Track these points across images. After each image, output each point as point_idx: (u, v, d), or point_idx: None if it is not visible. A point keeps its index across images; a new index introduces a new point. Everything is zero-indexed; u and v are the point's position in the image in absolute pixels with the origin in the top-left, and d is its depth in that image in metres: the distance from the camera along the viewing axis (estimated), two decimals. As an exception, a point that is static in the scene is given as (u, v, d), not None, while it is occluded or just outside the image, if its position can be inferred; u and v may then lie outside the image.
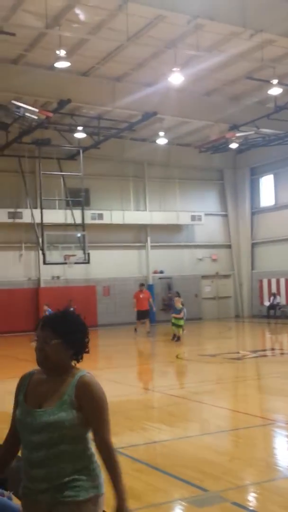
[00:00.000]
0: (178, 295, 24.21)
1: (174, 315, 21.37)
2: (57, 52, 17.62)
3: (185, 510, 5.86)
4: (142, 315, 24.73)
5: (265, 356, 17.83)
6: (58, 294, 28.97)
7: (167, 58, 20.03)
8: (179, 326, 21.06)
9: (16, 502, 5.06)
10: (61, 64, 18.32)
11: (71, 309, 23.33)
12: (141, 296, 24.97)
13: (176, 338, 20.97)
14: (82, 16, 17.60)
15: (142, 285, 26.84)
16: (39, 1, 15.60)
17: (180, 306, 21.35)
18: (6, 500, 4.82)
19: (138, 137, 28.01)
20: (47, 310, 22.58)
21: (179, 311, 21.12)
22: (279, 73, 21.38)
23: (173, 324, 21.29)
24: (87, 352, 3.36)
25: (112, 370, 16.20)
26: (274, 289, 32.39)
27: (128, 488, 6.58)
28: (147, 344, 23.37)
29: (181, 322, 21.03)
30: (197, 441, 8.54)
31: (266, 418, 9.86)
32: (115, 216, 30.67)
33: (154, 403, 11.91)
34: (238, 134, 25.92)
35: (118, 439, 8.51)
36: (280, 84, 21.35)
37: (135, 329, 25.03)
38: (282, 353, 18.71)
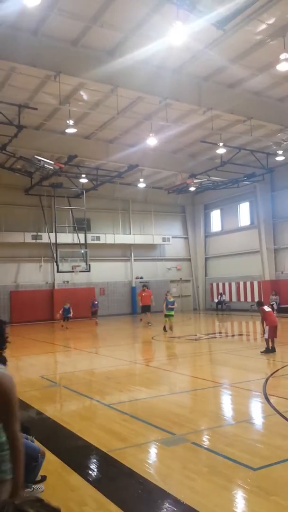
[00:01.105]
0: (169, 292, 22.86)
1: (169, 307, 19.04)
2: (67, 121, 17.70)
3: (158, 448, 5.85)
4: (145, 309, 22.73)
5: (214, 337, 17.87)
6: (67, 294, 28.96)
7: (145, 127, 20.22)
8: (171, 316, 18.98)
9: (37, 444, 5.03)
10: (70, 130, 18.38)
11: (67, 306, 23.16)
12: (143, 294, 23.00)
13: (169, 328, 18.94)
14: (85, 96, 17.71)
15: (144, 285, 24.49)
16: (55, 86, 15.68)
17: (172, 299, 19.59)
18: (30, 442, 4.79)
19: (124, 182, 28.13)
20: (68, 306, 23.31)
21: (172, 303, 19.20)
22: (224, 138, 21.66)
23: (166, 316, 19.06)
24: (5, 347, 2.83)
25: (106, 348, 16.16)
26: (221, 290, 32.58)
27: (117, 433, 6.62)
28: (133, 329, 23.28)
29: (172, 313, 19.12)
30: (167, 399, 8.53)
31: (216, 382, 9.89)
32: (108, 238, 30.79)
33: (136, 371, 11.89)
34: (195, 181, 26.13)
35: (110, 398, 8.53)
36: (224, 146, 21.61)
37: (141, 319, 23.40)
38: (226, 335, 18.77)
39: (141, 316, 23.42)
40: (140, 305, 23.20)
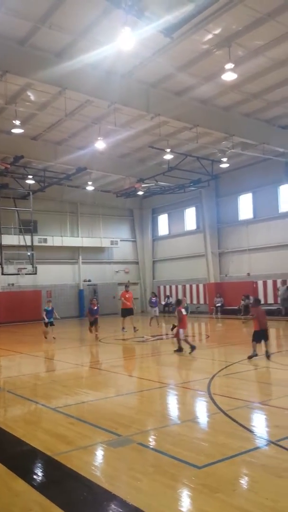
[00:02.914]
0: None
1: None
2: (14, 122, 17.28)
3: (105, 450, 5.80)
4: (128, 312, 20.04)
5: (161, 339, 18.03)
6: (13, 297, 28.28)
7: (93, 130, 20.12)
8: None
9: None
10: (16, 131, 17.96)
11: (49, 307, 18.56)
12: (127, 296, 20.18)
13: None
14: (32, 97, 17.36)
15: (127, 286, 21.39)
16: (1, 85, 15.19)
17: (185, 304, 17.96)
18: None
19: (73, 185, 27.85)
20: (51, 307, 18.93)
21: (186, 309, 17.36)
22: (171, 144, 21.97)
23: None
24: None
25: (53, 352, 15.85)
26: (168, 293, 32.94)
27: (62, 437, 6.50)
28: (80, 332, 23.00)
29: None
30: (113, 401, 8.50)
31: (162, 382, 9.96)
32: (56, 240, 30.36)
33: (83, 374, 11.74)
34: (143, 185, 26.35)
35: (56, 401, 8.37)
36: (171, 152, 21.95)
37: (123, 328, 19.77)
38: (173, 337, 18.94)
39: (123, 322, 19.99)
40: (122, 307, 20.26)
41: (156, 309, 22.59)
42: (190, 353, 13.06)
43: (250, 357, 11.68)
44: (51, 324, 18.73)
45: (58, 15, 12.77)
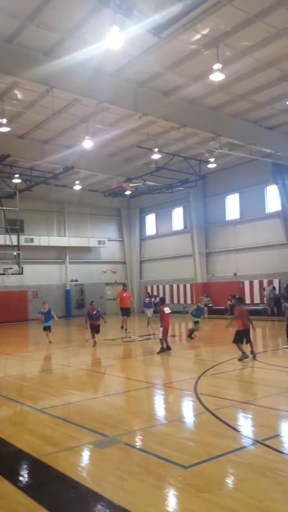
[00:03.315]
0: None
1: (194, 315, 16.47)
2: (0, 120, 17.12)
3: (91, 451, 5.79)
4: (125, 312, 19.40)
5: (149, 339, 18.03)
6: (-1, 297, 28.02)
7: (81, 129, 20.05)
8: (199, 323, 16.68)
9: None
10: (3, 129, 17.79)
11: (46, 309, 17.25)
12: (124, 295, 19.50)
13: (193, 335, 16.51)
14: (19, 95, 17.24)
15: (125, 285, 20.76)
16: (-12, 83, 15.13)
17: (202, 306, 17.41)
18: None
19: (60, 184, 27.72)
20: (48, 309, 17.71)
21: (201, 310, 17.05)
22: (159, 144, 21.99)
23: (196, 323, 16.55)
24: None
25: (39, 352, 15.75)
26: (155, 292, 32.95)
27: (49, 438, 6.48)
28: (67, 332, 22.88)
29: (195, 319, 16.56)
30: (100, 401, 8.49)
31: (149, 382, 9.97)
32: (42, 240, 30.20)
33: (70, 375, 11.69)
34: (131, 185, 26.30)
35: (42, 402, 8.33)
36: (159, 152, 21.97)
37: (122, 326, 19.28)
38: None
39: (123, 321, 19.45)
40: (119, 307, 19.52)
41: (151, 309, 22.57)
42: (157, 353, 13.32)
43: (240, 359, 11.55)
44: (47, 328, 17.38)
45: (46, 13, 12.70)
